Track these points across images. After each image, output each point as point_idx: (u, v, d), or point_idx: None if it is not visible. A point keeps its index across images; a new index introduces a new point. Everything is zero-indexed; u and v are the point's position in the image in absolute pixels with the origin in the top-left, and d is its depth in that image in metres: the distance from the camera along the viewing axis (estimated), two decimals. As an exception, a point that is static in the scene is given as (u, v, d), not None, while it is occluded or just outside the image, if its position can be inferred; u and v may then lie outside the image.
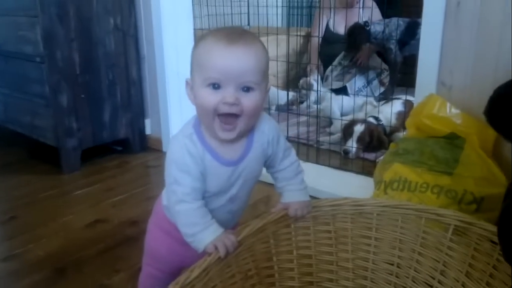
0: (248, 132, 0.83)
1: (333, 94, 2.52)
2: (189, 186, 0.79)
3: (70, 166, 2.01)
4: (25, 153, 2.29)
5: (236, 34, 0.75)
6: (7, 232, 1.55)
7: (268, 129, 0.86)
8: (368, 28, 2.83)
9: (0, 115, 2.34)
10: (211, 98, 0.75)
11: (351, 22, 2.90)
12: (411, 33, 2.81)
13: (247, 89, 0.75)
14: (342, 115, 2.44)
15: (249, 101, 0.75)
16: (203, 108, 0.77)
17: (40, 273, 1.29)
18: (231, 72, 0.73)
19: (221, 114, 0.76)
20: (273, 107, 2.78)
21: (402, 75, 2.93)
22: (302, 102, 2.94)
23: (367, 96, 2.60)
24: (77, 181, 1.95)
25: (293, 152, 0.93)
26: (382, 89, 2.99)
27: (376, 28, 2.85)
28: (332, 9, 3.17)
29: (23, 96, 2.09)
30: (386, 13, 3.02)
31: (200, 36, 0.80)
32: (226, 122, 0.76)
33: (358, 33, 2.83)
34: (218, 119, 0.76)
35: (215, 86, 0.75)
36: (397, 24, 2.81)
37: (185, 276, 0.72)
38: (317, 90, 2.60)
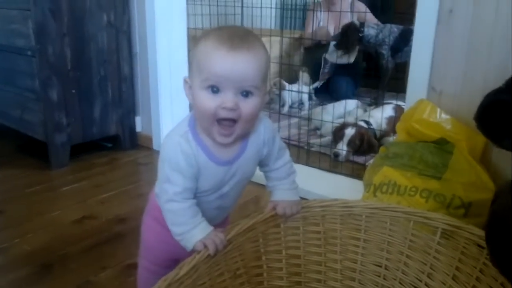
0: (245, 135, 0.82)
1: (324, 106, 2.55)
2: (181, 186, 0.78)
3: (58, 161, 1.99)
4: (13, 148, 2.26)
5: (238, 38, 0.73)
6: (-7, 226, 1.53)
7: (264, 129, 0.85)
8: (362, 30, 2.86)
9: (-12, 108, 2.31)
10: (210, 102, 0.74)
11: (341, 23, 2.93)
12: (404, 40, 2.84)
13: (246, 93, 0.74)
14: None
15: (248, 106, 0.74)
16: (202, 111, 0.76)
17: (26, 269, 1.28)
18: (232, 77, 0.72)
19: (219, 119, 0.75)
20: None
21: (393, 81, 2.96)
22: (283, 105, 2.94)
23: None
24: (66, 176, 1.93)
25: (287, 152, 0.93)
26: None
27: (370, 31, 2.88)
28: (321, 11, 3.20)
29: (13, 89, 2.07)
30: (379, 19, 3.06)
31: (201, 35, 0.78)
32: (224, 128, 0.75)
33: (351, 33, 2.86)
34: (217, 123, 0.75)
35: (214, 89, 0.73)
36: (390, 30, 2.84)
37: (174, 273, 0.72)
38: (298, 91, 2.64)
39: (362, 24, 2.89)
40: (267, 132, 0.86)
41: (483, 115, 0.84)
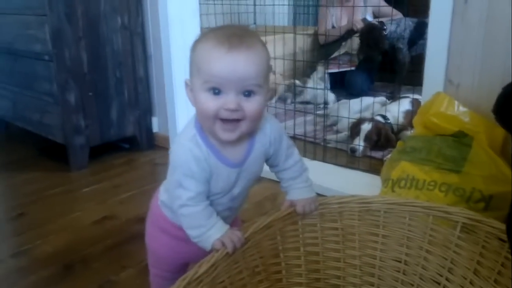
0: (250, 133, 0.81)
1: (340, 102, 2.52)
2: (194, 190, 0.78)
3: (78, 163, 2.02)
4: (33, 151, 2.30)
5: (236, 37, 0.71)
6: (16, 228, 1.56)
7: (270, 129, 0.84)
8: (385, 28, 2.81)
9: (9, 113, 2.36)
10: (211, 104, 0.72)
11: (354, 18, 2.90)
12: (419, 33, 2.80)
13: (248, 93, 0.73)
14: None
15: (251, 105, 0.73)
16: (204, 113, 0.75)
17: (48, 269, 1.30)
18: (232, 78, 0.71)
19: (222, 119, 0.74)
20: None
21: (409, 74, 2.92)
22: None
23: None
24: (85, 178, 1.96)
25: (296, 151, 0.91)
26: None
27: (391, 28, 2.84)
28: (334, 6, 3.17)
29: (31, 94, 2.11)
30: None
31: (198, 36, 0.76)
32: (227, 123, 0.74)
33: (377, 35, 2.78)
34: (220, 121, 0.74)
35: (216, 91, 0.72)
36: (405, 24, 2.80)
37: (193, 272, 0.72)
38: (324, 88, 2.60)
39: (383, 23, 2.85)
40: (273, 132, 0.84)
41: (502, 107, 0.82)
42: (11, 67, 2.21)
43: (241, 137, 0.78)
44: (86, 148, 2.05)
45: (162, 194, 0.90)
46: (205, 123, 0.76)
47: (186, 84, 0.79)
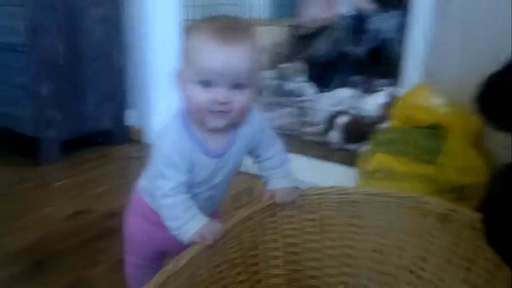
0: (236, 125, 0.82)
1: (318, 94, 2.52)
2: (175, 180, 0.78)
3: (49, 157, 1.97)
4: (2, 144, 2.23)
5: (230, 30, 0.71)
6: (-17, 224, 1.51)
7: (254, 120, 0.85)
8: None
9: (-25, 106, 2.27)
10: (202, 97, 0.73)
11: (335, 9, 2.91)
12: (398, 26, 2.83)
13: (239, 86, 0.73)
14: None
15: (241, 99, 0.74)
16: (193, 106, 0.75)
17: (17, 266, 1.26)
18: (224, 73, 0.71)
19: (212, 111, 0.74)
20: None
21: (387, 66, 2.96)
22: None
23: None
24: (57, 172, 1.91)
25: (279, 141, 0.92)
26: None
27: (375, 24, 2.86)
28: None
29: (1, 86, 2.03)
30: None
31: (191, 26, 0.76)
32: (216, 113, 0.75)
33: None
34: (210, 113, 0.75)
35: (206, 84, 0.73)
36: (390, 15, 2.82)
37: (171, 265, 0.71)
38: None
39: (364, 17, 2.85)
40: (257, 123, 0.85)
41: (483, 97, 0.82)
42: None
43: (227, 127, 0.78)
44: (58, 142, 1.99)
45: (143, 179, 0.91)
46: (194, 114, 0.78)
47: (175, 72, 0.79)
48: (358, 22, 2.83)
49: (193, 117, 0.79)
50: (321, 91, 2.70)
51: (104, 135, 2.23)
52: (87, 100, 2.06)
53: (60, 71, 1.93)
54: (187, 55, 0.75)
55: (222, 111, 0.74)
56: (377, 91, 2.40)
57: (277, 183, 0.91)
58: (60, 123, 1.97)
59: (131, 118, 2.29)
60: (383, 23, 2.85)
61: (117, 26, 2.11)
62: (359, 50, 3.04)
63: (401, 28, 2.82)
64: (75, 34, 1.95)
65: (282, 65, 2.96)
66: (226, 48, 0.70)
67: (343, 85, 2.92)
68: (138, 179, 0.93)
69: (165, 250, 0.96)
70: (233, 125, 0.80)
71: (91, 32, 2.01)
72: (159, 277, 0.69)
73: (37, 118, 1.91)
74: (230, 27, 0.72)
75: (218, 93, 0.72)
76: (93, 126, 2.12)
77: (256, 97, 0.80)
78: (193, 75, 0.73)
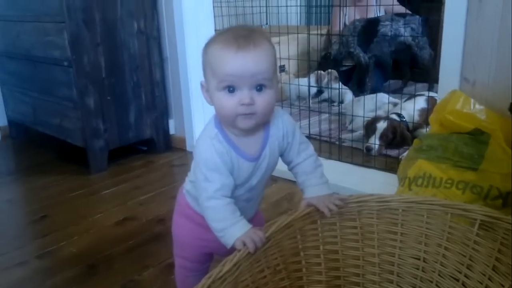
0: (265, 124, 0.87)
1: (354, 97, 2.52)
2: (219, 182, 0.83)
3: (97, 166, 2.07)
4: (54, 154, 2.36)
5: (244, 38, 0.77)
6: (40, 230, 1.60)
7: (283, 123, 0.90)
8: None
9: (29, 118, 2.41)
10: (229, 102, 0.79)
11: (364, 17, 2.91)
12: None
13: (260, 87, 0.79)
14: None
15: (263, 99, 0.80)
16: (223, 112, 0.82)
17: (72, 270, 1.34)
18: (244, 76, 0.77)
19: (239, 115, 0.80)
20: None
21: (425, 71, 2.92)
22: (321, 92, 2.96)
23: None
24: (105, 180, 2.00)
25: (311, 146, 0.95)
26: None
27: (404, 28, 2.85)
28: (347, 6, 3.18)
29: (51, 99, 2.16)
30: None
31: (208, 40, 0.84)
32: (244, 116, 0.80)
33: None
34: (238, 116, 0.80)
35: (230, 89, 0.79)
36: (419, 21, 2.80)
37: (217, 270, 0.75)
38: (339, 88, 2.60)
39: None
40: (285, 126, 0.90)
41: None
42: (31, 73, 2.26)
43: (257, 128, 0.85)
44: (105, 151, 2.09)
45: (187, 183, 0.97)
46: (225, 120, 0.84)
47: (202, 85, 0.87)
48: (389, 27, 2.81)
49: (225, 122, 0.85)
50: (359, 96, 2.69)
51: (147, 143, 2.32)
52: (129, 110, 2.15)
53: (103, 83, 2.03)
54: (208, 67, 0.82)
55: (249, 113, 0.80)
56: (416, 96, 2.37)
57: (314, 191, 0.92)
58: (105, 133, 2.07)
59: (172, 126, 2.37)
60: (413, 27, 2.82)
61: (154, 38, 2.20)
62: (393, 55, 3.03)
63: (431, 32, 2.79)
64: (115, 47, 2.05)
65: (319, 71, 2.96)
66: (242, 53, 0.76)
67: (381, 90, 2.90)
68: (183, 183, 1.00)
69: (211, 252, 1.01)
70: (260, 125, 0.85)
71: (130, 45, 2.10)
72: (205, 281, 0.72)
73: (85, 128, 2.01)
74: (243, 35, 0.78)
75: (242, 96, 0.78)
76: (136, 135, 2.21)
77: (277, 95, 0.84)
78: (217, 83, 0.80)
